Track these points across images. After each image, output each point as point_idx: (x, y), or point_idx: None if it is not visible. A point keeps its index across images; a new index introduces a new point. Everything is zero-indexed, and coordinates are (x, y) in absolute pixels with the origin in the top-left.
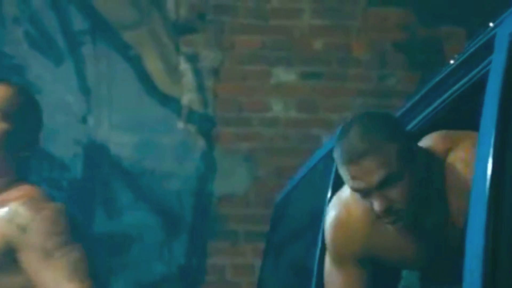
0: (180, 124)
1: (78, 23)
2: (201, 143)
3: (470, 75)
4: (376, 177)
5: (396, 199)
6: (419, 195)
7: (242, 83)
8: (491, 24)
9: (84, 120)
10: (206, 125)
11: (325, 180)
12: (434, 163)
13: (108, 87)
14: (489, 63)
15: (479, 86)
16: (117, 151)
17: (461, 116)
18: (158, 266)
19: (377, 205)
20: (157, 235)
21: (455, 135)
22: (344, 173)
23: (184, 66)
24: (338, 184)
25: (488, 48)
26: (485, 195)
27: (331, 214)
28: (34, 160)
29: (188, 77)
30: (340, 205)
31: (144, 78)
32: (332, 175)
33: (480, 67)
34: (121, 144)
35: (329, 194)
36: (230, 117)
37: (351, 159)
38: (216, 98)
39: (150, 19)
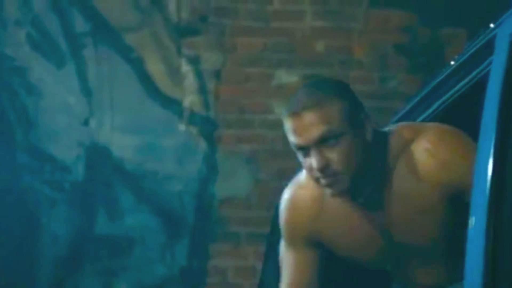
0: (182, 126)
1: (80, 25)
2: (202, 145)
3: (470, 76)
4: (316, 131)
5: (333, 159)
6: (360, 165)
7: (243, 85)
8: (491, 25)
9: (86, 122)
10: (207, 127)
11: None
12: (390, 146)
13: (110, 89)
14: (490, 63)
15: (480, 86)
16: (119, 153)
17: (462, 117)
18: (160, 268)
19: (314, 162)
20: (159, 237)
21: (421, 126)
22: (288, 128)
23: (185, 68)
24: None
25: (488, 48)
26: (486, 196)
27: (284, 196)
28: (36, 162)
29: (190, 79)
30: (293, 188)
31: (146, 80)
32: None
33: (480, 67)
34: (123, 146)
35: None
36: (231, 119)
37: (294, 111)
38: (217, 100)
39: (152, 22)
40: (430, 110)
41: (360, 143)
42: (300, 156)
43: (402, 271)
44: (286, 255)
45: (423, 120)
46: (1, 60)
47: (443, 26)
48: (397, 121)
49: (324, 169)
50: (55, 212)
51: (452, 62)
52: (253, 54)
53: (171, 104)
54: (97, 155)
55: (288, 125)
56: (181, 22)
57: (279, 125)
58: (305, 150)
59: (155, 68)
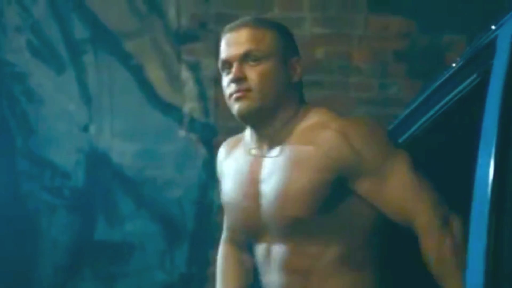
0: (182, 133)
1: (80, 31)
2: (202, 151)
3: (471, 78)
4: (243, 47)
5: (250, 76)
6: (272, 94)
7: None
8: (493, 27)
9: (85, 128)
10: (207, 134)
11: None
12: (306, 108)
13: (110, 96)
14: (491, 65)
15: (481, 88)
16: (119, 160)
17: (463, 120)
18: (160, 274)
19: (232, 74)
20: (159, 243)
21: (338, 116)
22: (221, 46)
23: (185, 75)
24: None
25: (489, 50)
26: (487, 199)
27: None
28: (36, 168)
29: (190, 86)
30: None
31: (146, 86)
32: None
33: (481, 69)
34: (123, 152)
35: None
36: (231, 126)
37: (231, 27)
38: (217, 106)
39: (152, 28)
40: (431, 113)
41: (280, 75)
42: (224, 77)
43: (264, 249)
44: None
45: (424, 123)
46: (1, 66)
47: (443, 33)
48: (399, 123)
49: (239, 81)
50: (55, 218)
51: (454, 64)
52: None
53: (171, 110)
54: (97, 161)
55: (222, 41)
56: (181, 28)
57: None
58: (229, 68)
59: (155, 74)
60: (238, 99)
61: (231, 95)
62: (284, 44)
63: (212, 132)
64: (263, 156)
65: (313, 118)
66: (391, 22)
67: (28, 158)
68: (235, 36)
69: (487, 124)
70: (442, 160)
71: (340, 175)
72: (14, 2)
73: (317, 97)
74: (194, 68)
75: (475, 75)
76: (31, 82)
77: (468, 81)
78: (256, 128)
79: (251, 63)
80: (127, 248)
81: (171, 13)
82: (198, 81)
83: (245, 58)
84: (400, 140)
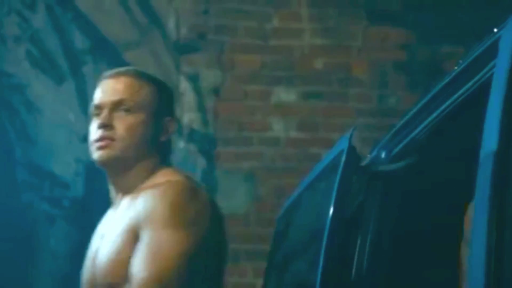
0: (181, 143)
1: (79, 42)
2: (201, 162)
3: (474, 80)
4: (116, 95)
5: (117, 126)
6: (135, 148)
7: (242, 103)
8: (495, 30)
9: (85, 139)
10: (206, 145)
11: (327, 194)
12: (157, 169)
13: None
14: (493, 66)
15: (484, 90)
16: None
17: (464, 123)
18: None
19: (100, 119)
20: None
21: (182, 176)
22: (97, 89)
23: (184, 85)
24: (340, 199)
25: (492, 51)
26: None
27: None
28: (35, 179)
29: (189, 97)
30: None
31: None
32: (335, 189)
33: (483, 71)
34: None
35: (331, 209)
36: (230, 136)
37: (111, 74)
38: (216, 117)
39: (151, 39)
40: (433, 116)
41: (148, 131)
42: (92, 121)
43: None
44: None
45: (426, 127)
46: (0, 77)
47: (442, 44)
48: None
49: (105, 128)
50: (54, 228)
51: (456, 67)
52: (252, 71)
53: None
54: (96, 172)
55: (99, 87)
56: (180, 39)
57: (278, 142)
58: (99, 114)
59: None
60: (99, 148)
61: (95, 141)
62: (160, 101)
63: (212, 143)
64: (114, 208)
65: (157, 179)
66: (390, 34)
67: (28, 168)
68: (112, 82)
69: (489, 124)
70: (445, 164)
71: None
72: (13, 12)
73: (316, 108)
74: (193, 79)
75: (476, 78)
76: (31, 92)
77: (470, 83)
78: (113, 178)
79: (122, 113)
80: None
81: (171, 24)
82: (198, 92)
83: (117, 106)
84: (401, 145)
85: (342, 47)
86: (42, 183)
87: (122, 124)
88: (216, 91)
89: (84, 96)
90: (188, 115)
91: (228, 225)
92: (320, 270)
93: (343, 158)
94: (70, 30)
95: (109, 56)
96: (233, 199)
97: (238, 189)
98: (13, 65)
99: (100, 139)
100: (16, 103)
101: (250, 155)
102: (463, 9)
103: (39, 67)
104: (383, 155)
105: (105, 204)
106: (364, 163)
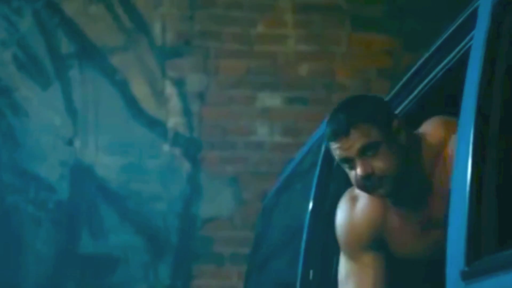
0: (166, 147)
1: (66, 46)
2: (186, 166)
3: (453, 53)
4: (356, 145)
5: (375, 166)
6: (400, 167)
7: (227, 107)
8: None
9: (70, 142)
10: (191, 149)
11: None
12: (427, 145)
13: (95, 110)
14: (471, 39)
15: (463, 63)
16: (103, 173)
17: (447, 96)
18: (143, 287)
19: (359, 170)
20: (143, 256)
21: (451, 120)
22: (333, 148)
23: (170, 90)
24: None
25: (471, 21)
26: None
27: (338, 212)
28: (20, 182)
29: (174, 101)
30: (349, 201)
31: (131, 101)
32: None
33: (462, 43)
34: (107, 166)
35: (310, 204)
36: (215, 140)
37: (337, 136)
38: (201, 122)
39: (137, 44)
40: (419, 88)
41: (397, 148)
42: (346, 169)
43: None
44: (349, 267)
45: (409, 103)
46: None
47: (426, 50)
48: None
49: (369, 175)
50: (40, 231)
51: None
52: (236, 76)
53: (155, 125)
54: (82, 175)
55: (334, 147)
56: (165, 44)
57: (262, 146)
58: (350, 162)
59: (140, 89)
60: (374, 189)
61: (364, 186)
62: (382, 120)
63: (196, 147)
64: None
65: (440, 149)
66: (374, 40)
67: (13, 171)
68: (344, 143)
69: (468, 91)
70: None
71: None
72: (0, 17)
73: (301, 113)
74: (179, 83)
75: (456, 51)
76: (17, 96)
77: (449, 57)
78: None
79: (369, 154)
80: (111, 261)
81: (156, 29)
82: (183, 97)
83: (362, 153)
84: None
85: (326, 53)
86: (28, 186)
87: (377, 162)
88: (201, 96)
89: (70, 100)
90: (173, 120)
91: (213, 228)
92: (300, 267)
93: (323, 149)
94: (57, 35)
95: (95, 60)
96: (218, 203)
97: (223, 193)
98: (0, 68)
99: (370, 183)
100: (2, 107)
101: (234, 159)
102: (447, 16)
103: (25, 71)
104: None
105: (90, 207)
106: None
